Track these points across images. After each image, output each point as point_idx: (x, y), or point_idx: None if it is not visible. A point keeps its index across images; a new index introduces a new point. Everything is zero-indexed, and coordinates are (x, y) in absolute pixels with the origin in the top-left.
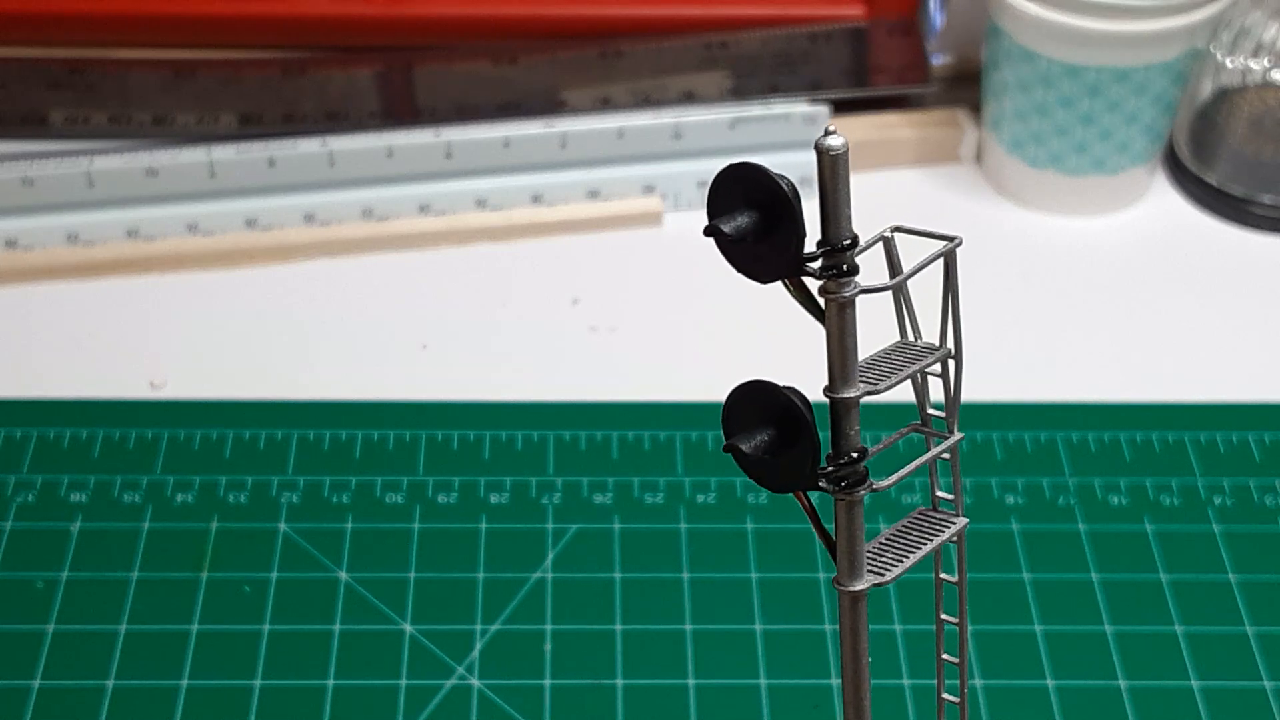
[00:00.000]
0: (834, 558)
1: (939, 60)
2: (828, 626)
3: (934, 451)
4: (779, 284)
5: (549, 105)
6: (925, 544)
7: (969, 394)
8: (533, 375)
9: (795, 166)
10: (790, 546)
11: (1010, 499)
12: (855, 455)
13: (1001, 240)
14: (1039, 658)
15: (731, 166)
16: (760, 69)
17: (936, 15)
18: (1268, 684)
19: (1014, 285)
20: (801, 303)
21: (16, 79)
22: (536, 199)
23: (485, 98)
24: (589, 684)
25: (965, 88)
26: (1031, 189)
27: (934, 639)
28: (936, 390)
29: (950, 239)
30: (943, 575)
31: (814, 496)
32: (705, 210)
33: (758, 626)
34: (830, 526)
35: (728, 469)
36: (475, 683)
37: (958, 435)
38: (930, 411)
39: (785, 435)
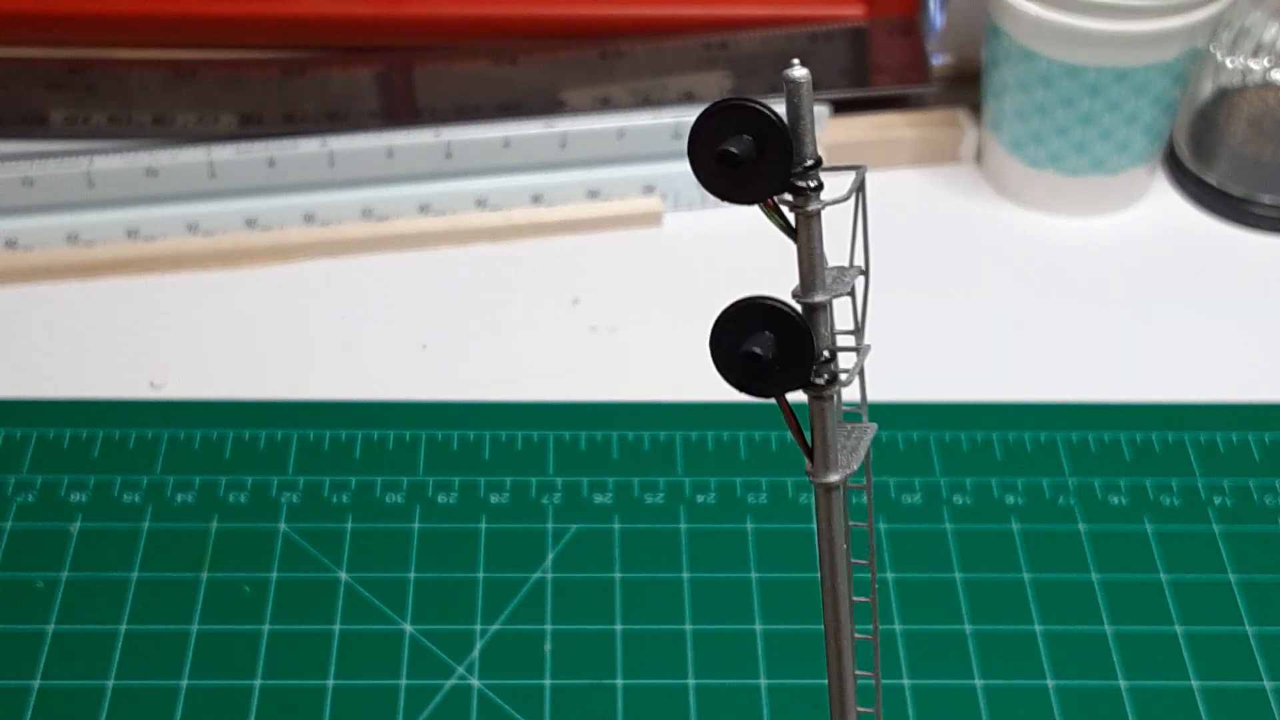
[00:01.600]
0: (809, 456)
1: (939, 60)
2: None
3: (860, 360)
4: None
5: (549, 105)
6: (860, 444)
7: (970, 394)
8: (533, 375)
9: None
10: (790, 546)
11: (1010, 499)
12: (827, 355)
13: (1001, 240)
14: (1039, 658)
15: (720, 102)
16: (760, 69)
17: (936, 15)
18: (1268, 684)
19: (1014, 285)
20: (777, 222)
21: (16, 79)
22: (536, 199)
23: (485, 98)
24: (589, 684)
25: (965, 88)
26: (1031, 189)
27: (936, 641)
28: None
29: (859, 167)
30: (851, 484)
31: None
32: (688, 147)
33: (758, 626)
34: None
35: (728, 469)
36: (475, 683)
37: (867, 344)
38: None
39: (782, 340)
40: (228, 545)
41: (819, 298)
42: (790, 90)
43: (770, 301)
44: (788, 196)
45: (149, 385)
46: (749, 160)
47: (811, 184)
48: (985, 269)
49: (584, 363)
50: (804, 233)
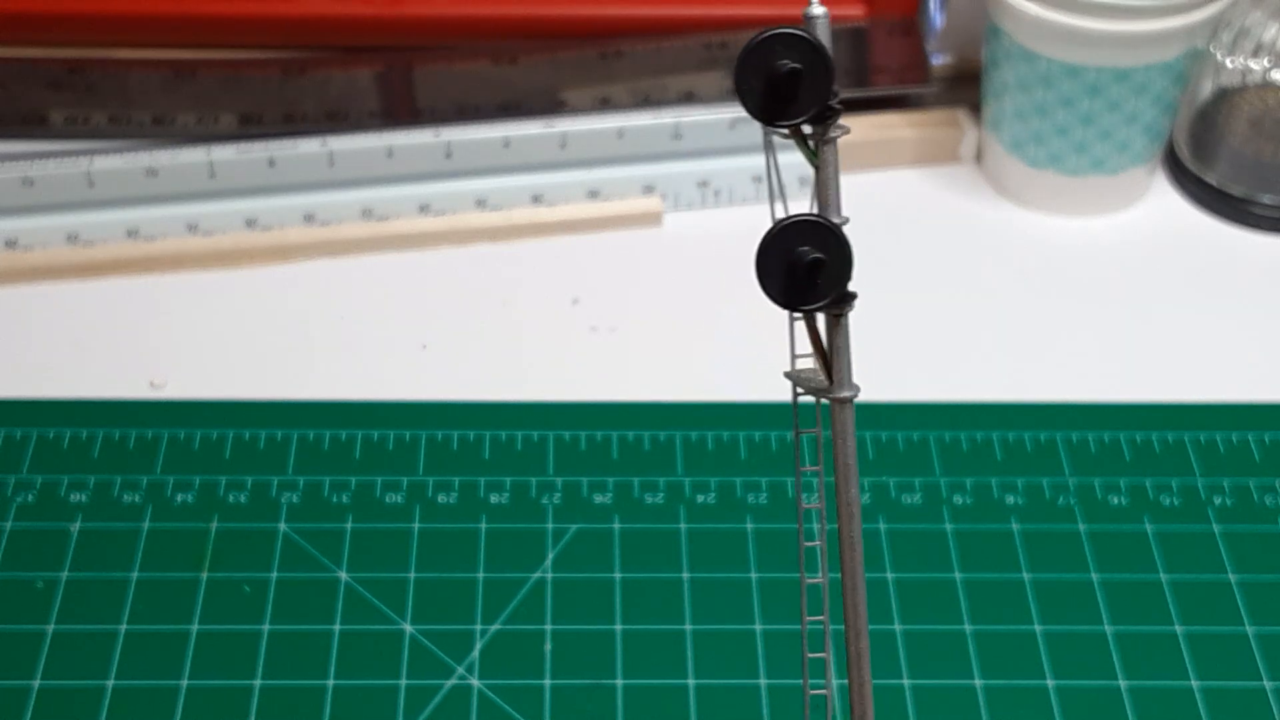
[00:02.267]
0: (828, 372)
1: (939, 60)
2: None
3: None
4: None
5: (549, 105)
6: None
7: (970, 394)
8: (533, 375)
9: (795, 166)
10: (790, 546)
11: (1010, 499)
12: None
13: (1001, 240)
14: (1039, 658)
15: (770, 29)
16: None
17: (936, 15)
18: (1268, 684)
19: (1014, 285)
20: (804, 149)
21: (16, 79)
22: (536, 199)
23: (485, 98)
24: (589, 684)
25: (965, 88)
26: (1031, 189)
27: (936, 641)
28: None
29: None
30: (804, 430)
31: None
32: (735, 73)
33: (758, 626)
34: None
35: (728, 469)
36: (475, 683)
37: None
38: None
39: (827, 252)
40: (228, 545)
41: (837, 219)
42: (810, 27)
43: (814, 218)
44: (805, 129)
45: (149, 385)
46: (801, 76)
47: (836, 110)
48: (985, 269)
49: (584, 363)
50: (827, 158)
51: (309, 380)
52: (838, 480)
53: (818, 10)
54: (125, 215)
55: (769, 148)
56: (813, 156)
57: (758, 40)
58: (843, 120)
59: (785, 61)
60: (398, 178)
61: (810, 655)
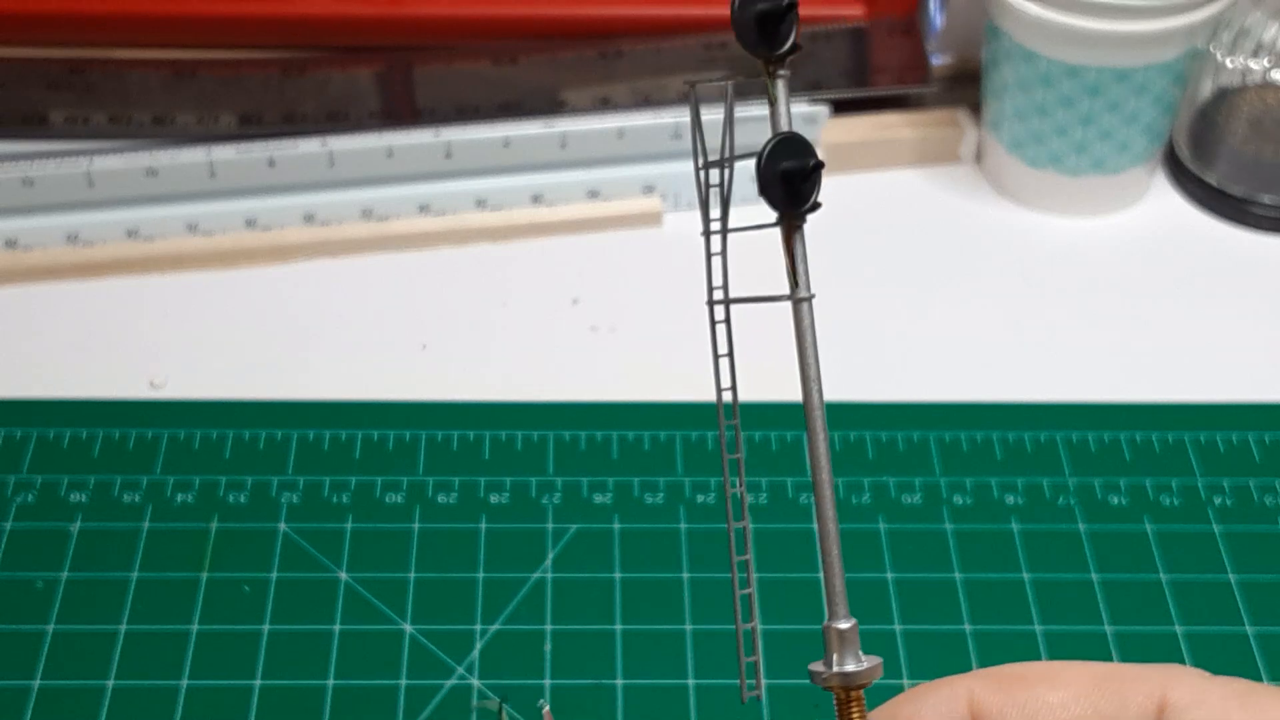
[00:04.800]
0: (794, 280)
1: (939, 60)
2: None
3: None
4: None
5: (549, 105)
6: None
7: (970, 394)
8: (533, 375)
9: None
10: (790, 547)
11: (1010, 499)
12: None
13: (1001, 240)
14: (1039, 658)
15: None
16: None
17: (936, 15)
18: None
19: (1014, 285)
20: (770, 86)
21: (16, 79)
22: (536, 199)
23: (485, 98)
24: (589, 684)
25: (965, 88)
26: (1031, 189)
27: (936, 640)
28: None
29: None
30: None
31: None
32: (732, 14)
33: (757, 627)
34: None
35: None
36: (475, 683)
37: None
38: None
39: (798, 172)
40: (228, 545)
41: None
42: None
43: (794, 135)
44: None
45: (149, 385)
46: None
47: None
48: (985, 269)
49: (584, 363)
50: (781, 91)
51: (309, 380)
52: (803, 369)
53: None
54: (125, 215)
55: (694, 104)
56: (771, 93)
57: None
58: (843, 120)
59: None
60: (398, 178)
61: (740, 592)
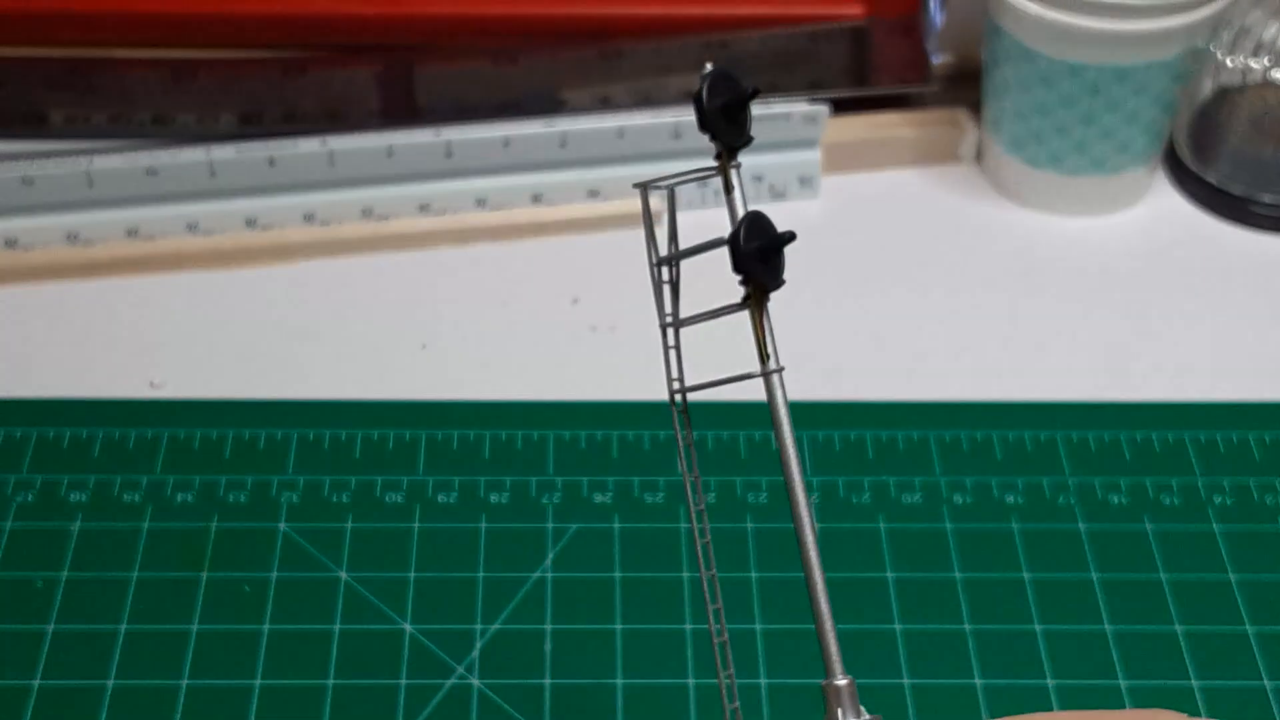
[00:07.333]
0: (763, 350)
1: (939, 60)
2: None
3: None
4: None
5: (549, 105)
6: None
7: (970, 394)
8: (533, 375)
9: (795, 166)
10: (790, 547)
11: (1010, 499)
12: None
13: (1001, 240)
14: (1039, 658)
15: (713, 71)
16: (760, 69)
17: (936, 15)
18: (1268, 684)
19: (1014, 285)
20: (725, 176)
21: (16, 79)
22: (536, 199)
23: (485, 98)
24: (589, 684)
25: (965, 87)
26: (1031, 189)
27: (936, 640)
28: None
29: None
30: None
31: None
32: (697, 105)
33: (757, 626)
34: None
35: (727, 469)
36: (475, 683)
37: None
38: None
39: (774, 244)
40: (228, 545)
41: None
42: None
43: (761, 216)
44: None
45: (149, 385)
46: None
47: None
48: (985, 269)
49: (584, 362)
50: (735, 179)
51: (309, 380)
52: (779, 438)
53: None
54: (125, 215)
55: (646, 204)
56: (727, 182)
57: (711, 78)
58: (842, 119)
59: (744, 86)
60: (398, 177)
61: (711, 608)
